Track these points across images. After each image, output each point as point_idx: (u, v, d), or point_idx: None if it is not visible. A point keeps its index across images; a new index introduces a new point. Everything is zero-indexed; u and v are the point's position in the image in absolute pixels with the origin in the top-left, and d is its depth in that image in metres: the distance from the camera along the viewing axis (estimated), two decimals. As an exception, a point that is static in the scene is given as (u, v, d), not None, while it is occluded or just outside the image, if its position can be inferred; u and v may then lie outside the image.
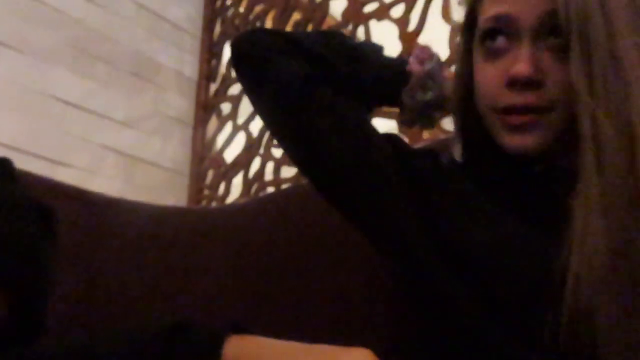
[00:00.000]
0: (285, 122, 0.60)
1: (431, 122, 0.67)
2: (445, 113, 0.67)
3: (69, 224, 0.90)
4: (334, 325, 0.79)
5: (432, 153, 0.62)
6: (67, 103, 1.43)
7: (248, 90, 0.65)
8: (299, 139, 0.60)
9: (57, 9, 1.47)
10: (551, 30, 0.50)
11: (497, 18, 0.52)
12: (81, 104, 1.46)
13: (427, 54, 0.67)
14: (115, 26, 1.62)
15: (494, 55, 0.53)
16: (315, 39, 0.66)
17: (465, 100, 0.58)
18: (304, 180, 1.47)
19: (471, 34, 0.57)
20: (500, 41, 0.52)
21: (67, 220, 0.90)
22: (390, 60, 0.68)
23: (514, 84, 0.51)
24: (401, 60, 0.68)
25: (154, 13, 1.76)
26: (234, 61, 0.66)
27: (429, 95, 0.64)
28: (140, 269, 0.94)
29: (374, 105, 0.68)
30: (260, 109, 0.65)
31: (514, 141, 0.52)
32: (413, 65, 0.65)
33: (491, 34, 0.53)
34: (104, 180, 1.44)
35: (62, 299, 0.82)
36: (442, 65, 0.67)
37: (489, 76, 0.53)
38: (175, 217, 1.08)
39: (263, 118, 0.66)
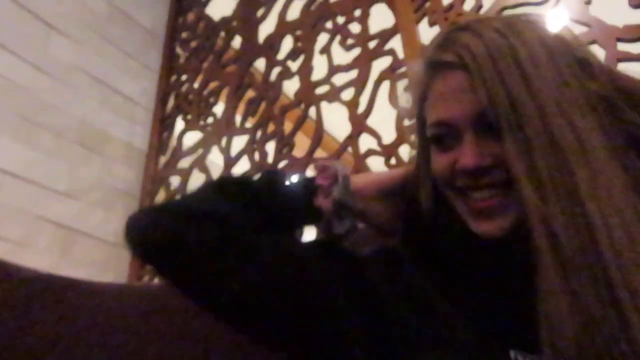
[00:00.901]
0: (209, 289, 0.53)
1: (358, 244, 0.64)
2: (371, 225, 0.65)
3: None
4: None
5: (386, 254, 0.60)
6: (5, 172, 1.37)
7: (173, 279, 0.56)
8: (229, 301, 0.52)
9: (3, 76, 1.44)
10: (489, 123, 0.51)
11: (438, 124, 0.56)
12: (21, 174, 1.40)
13: (330, 176, 0.64)
14: (64, 97, 1.60)
15: (443, 149, 0.56)
16: (210, 198, 0.59)
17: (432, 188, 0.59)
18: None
19: (424, 132, 0.59)
20: (446, 140, 0.56)
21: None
22: (295, 190, 0.64)
23: (465, 175, 0.53)
24: (307, 184, 0.64)
25: (107, 86, 1.76)
26: (143, 255, 0.57)
27: (347, 225, 0.62)
28: (76, 348, 0.86)
29: (297, 230, 0.64)
30: (187, 289, 0.55)
31: (482, 227, 0.52)
32: (320, 200, 0.63)
33: (437, 136, 0.56)
34: (38, 253, 1.36)
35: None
36: (348, 180, 0.64)
37: (443, 163, 0.56)
38: (115, 293, 1.02)
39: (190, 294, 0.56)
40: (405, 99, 0.65)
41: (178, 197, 1.61)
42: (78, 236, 1.49)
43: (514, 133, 0.48)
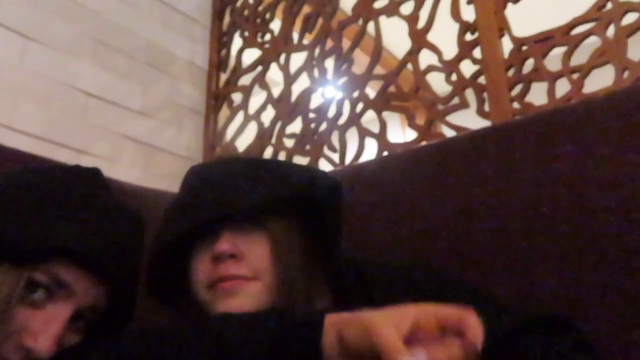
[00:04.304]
0: None
1: None
2: None
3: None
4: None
5: None
6: (89, 95, 1.48)
7: None
8: None
9: (76, 1, 1.51)
10: None
11: None
12: (102, 95, 1.52)
13: None
14: (130, 18, 1.66)
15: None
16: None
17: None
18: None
19: None
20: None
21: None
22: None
23: (218, 258, 0.61)
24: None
25: (166, 4, 1.81)
26: None
27: None
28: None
29: None
30: None
31: (226, 305, 0.59)
32: None
33: None
34: (125, 168, 1.50)
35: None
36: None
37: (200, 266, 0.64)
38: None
39: None
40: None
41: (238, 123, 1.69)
42: (155, 152, 1.62)
43: None
